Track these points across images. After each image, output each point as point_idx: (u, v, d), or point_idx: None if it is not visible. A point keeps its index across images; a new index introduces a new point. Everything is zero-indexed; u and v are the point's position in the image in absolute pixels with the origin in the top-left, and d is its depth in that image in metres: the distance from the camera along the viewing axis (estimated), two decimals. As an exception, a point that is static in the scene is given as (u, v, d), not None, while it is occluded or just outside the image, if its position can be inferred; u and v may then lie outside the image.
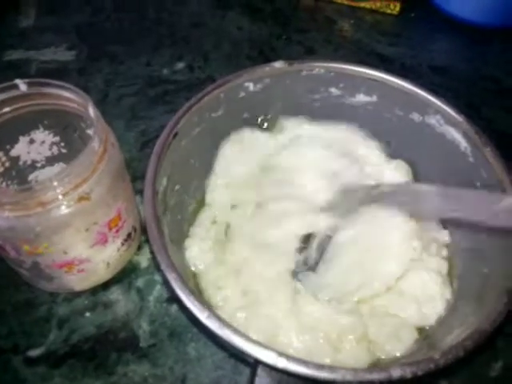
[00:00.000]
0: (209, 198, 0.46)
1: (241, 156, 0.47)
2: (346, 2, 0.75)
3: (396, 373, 0.28)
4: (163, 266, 0.31)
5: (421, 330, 0.39)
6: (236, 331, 0.29)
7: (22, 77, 0.37)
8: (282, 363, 0.29)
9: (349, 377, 0.28)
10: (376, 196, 0.39)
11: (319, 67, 0.46)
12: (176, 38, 0.70)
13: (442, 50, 0.71)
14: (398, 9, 0.74)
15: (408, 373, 0.29)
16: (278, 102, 0.48)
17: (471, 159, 0.41)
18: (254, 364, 0.30)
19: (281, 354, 0.29)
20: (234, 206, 0.45)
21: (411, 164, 0.48)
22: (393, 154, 0.48)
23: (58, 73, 0.64)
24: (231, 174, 0.46)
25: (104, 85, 0.62)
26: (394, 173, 0.47)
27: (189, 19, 0.73)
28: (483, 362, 0.41)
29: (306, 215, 0.43)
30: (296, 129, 0.49)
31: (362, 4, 0.75)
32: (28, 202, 0.31)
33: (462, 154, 0.42)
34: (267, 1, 0.78)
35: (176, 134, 0.39)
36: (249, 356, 0.29)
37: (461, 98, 0.62)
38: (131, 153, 0.55)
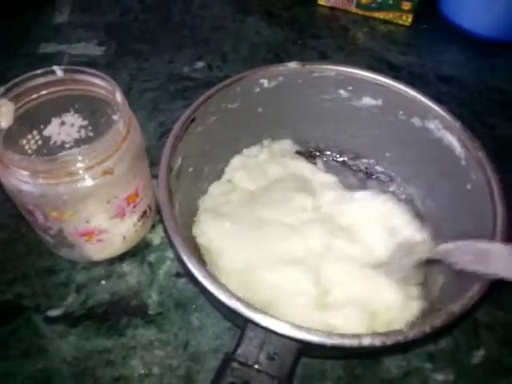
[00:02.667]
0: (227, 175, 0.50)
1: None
2: (360, 12, 0.79)
3: (366, 340, 0.31)
4: (168, 226, 0.35)
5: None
6: (228, 291, 0.32)
7: (54, 69, 0.42)
8: (265, 322, 0.31)
9: (323, 339, 0.31)
10: (439, 253, 0.39)
11: (330, 70, 0.49)
12: (197, 40, 0.75)
13: (450, 60, 0.74)
14: (410, 20, 0.77)
15: (377, 341, 0.31)
16: (289, 99, 0.51)
17: (463, 162, 0.44)
18: (244, 323, 0.33)
19: (266, 313, 0.32)
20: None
21: (409, 165, 0.51)
22: (392, 156, 0.52)
23: (88, 66, 0.67)
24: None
25: (129, 79, 0.67)
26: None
27: (210, 22, 0.78)
28: (466, 350, 0.44)
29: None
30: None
31: (376, 14, 0.78)
32: (58, 171, 0.35)
33: (456, 158, 0.44)
34: (285, 8, 0.82)
35: (193, 120, 0.43)
36: (239, 315, 0.32)
37: (465, 106, 0.66)
38: (150, 141, 0.59)
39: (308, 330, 0.31)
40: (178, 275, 0.47)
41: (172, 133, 0.41)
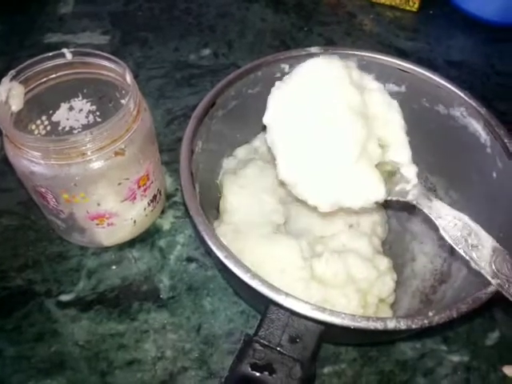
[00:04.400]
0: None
1: None
2: (366, -2, 0.79)
3: (391, 324, 0.31)
4: (191, 208, 0.35)
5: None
6: (250, 272, 0.32)
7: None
8: (288, 303, 0.32)
9: (347, 321, 0.31)
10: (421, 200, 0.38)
11: (352, 55, 0.48)
12: (203, 27, 0.74)
13: (459, 46, 0.74)
14: (416, 6, 0.76)
15: (402, 325, 0.31)
16: None
17: (489, 150, 0.43)
18: (266, 305, 0.33)
19: (288, 294, 0.32)
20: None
21: (433, 154, 0.49)
22: (415, 144, 0.51)
23: None
24: None
25: (135, 67, 0.67)
26: None
27: (216, 9, 0.77)
28: (480, 332, 0.44)
29: None
30: None
31: (382, 0, 0.78)
32: (70, 152, 0.35)
33: (481, 146, 0.43)
34: (291, -5, 0.81)
35: (214, 104, 0.43)
36: (262, 296, 0.32)
37: (474, 91, 0.64)
38: (158, 128, 0.58)
39: (331, 311, 0.31)
40: (189, 260, 0.47)
41: (193, 115, 0.41)
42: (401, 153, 0.40)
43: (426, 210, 0.38)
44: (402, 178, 0.39)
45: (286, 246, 0.40)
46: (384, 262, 0.41)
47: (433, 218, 0.37)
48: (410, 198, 0.38)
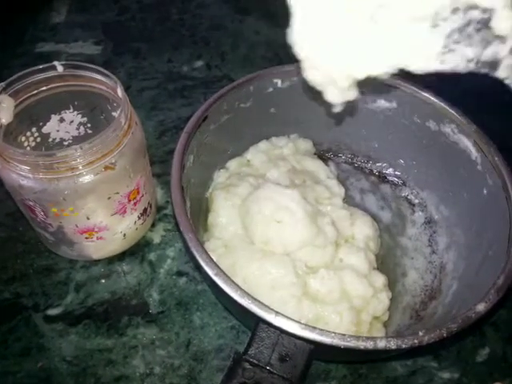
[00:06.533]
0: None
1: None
2: (359, 12, 0.79)
3: (381, 343, 0.31)
4: (181, 224, 0.35)
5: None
6: (240, 290, 0.32)
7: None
8: (278, 322, 0.31)
9: (337, 341, 0.31)
10: None
11: None
12: (196, 39, 0.74)
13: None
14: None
15: (392, 345, 0.31)
16: (302, 100, 0.49)
17: (479, 167, 0.43)
18: (255, 323, 0.33)
19: (278, 313, 0.32)
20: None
21: (423, 169, 0.49)
22: (406, 160, 0.51)
23: None
24: None
25: (127, 77, 0.67)
26: None
27: (209, 21, 0.78)
28: (471, 348, 0.44)
29: None
30: None
31: (375, 14, 0.78)
32: (59, 166, 0.35)
33: (472, 163, 0.43)
34: (285, 7, 0.82)
35: (206, 118, 0.43)
36: (251, 315, 0.32)
37: (463, 105, 0.65)
38: (149, 140, 0.58)
39: (321, 331, 0.30)
40: (179, 274, 0.47)
41: (185, 130, 0.41)
42: None
43: None
44: (489, 33, 0.25)
45: (278, 261, 0.40)
46: (380, 279, 0.41)
47: None
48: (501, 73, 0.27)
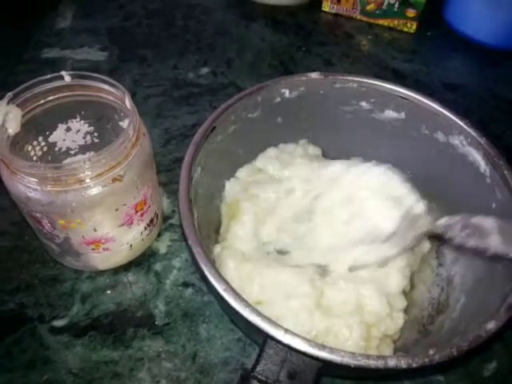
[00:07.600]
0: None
1: None
2: (364, 19, 0.79)
3: (392, 362, 0.30)
4: (189, 237, 0.35)
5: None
6: (249, 306, 0.32)
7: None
8: (287, 339, 0.31)
9: (347, 359, 0.30)
10: (439, 227, 0.39)
11: (352, 81, 0.48)
12: (202, 45, 0.74)
13: (456, 68, 0.74)
14: (414, 27, 0.77)
15: (403, 364, 0.30)
16: (310, 110, 0.50)
17: (488, 180, 0.42)
18: (264, 339, 0.32)
19: (287, 330, 0.31)
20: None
21: (430, 181, 0.48)
22: (414, 171, 0.50)
23: (90, 71, 0.68)
24: None
25: (132, 84, 0.67)
26: None
27: (214, 28, 0.78)
28: (478, 362, 0.44)
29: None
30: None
31: (380, 21, 0.78)
32: (67, 178, 0.35)
33: (481, 175, 0.43)
34: (290, 15, 0.82)
35: (214, 129, 0.43)
36: (259, 331, 0.32)
37: (471, 115, 0.65)
38: (155, 148, 0.58)
39: (331, 349, 0.30)
40: (186, 285, 0.46)
41: (192, 142, 0.41)
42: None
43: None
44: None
45: (294, 272, 0.40)
46: (402, 304, 0.41)
47: None
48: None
